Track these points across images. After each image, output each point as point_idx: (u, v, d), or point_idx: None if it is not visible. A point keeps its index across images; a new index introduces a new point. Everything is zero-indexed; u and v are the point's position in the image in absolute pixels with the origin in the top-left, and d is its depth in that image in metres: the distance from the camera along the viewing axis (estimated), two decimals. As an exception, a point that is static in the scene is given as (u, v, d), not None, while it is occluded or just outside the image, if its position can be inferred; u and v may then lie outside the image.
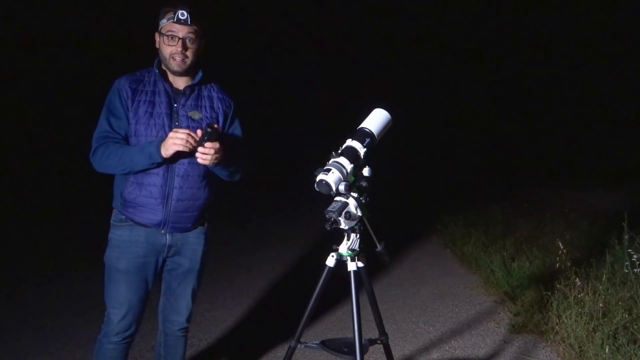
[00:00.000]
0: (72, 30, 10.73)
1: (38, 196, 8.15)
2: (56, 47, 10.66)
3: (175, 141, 2.13)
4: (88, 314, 3.87)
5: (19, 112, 10.16)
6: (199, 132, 2.18)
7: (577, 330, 3.41)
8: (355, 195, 2.00)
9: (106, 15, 11.12)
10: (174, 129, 2.18)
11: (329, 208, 1.97)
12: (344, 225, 2.02)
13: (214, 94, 2.41)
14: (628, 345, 3.17)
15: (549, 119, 16.35)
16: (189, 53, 2.27)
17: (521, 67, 17.32)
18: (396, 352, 3.23)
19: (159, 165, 2.24)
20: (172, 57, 2.26)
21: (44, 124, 10.10)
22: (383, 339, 2.29)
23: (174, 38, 2.24)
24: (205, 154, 2.17)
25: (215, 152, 2.18)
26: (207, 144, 2.16)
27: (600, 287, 3.88)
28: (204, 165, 2.31)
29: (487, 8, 16.87)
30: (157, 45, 2.31)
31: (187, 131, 2.15)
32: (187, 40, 2.25)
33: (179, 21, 2.22)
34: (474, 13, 17.19)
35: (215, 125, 2.20)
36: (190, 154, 2.24)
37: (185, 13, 2.22)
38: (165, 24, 2.25)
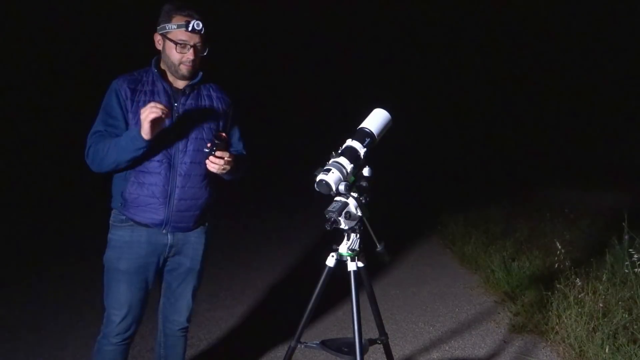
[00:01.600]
0: (70, 29, 10.73)
1: (37, 196, 8.15)
2: (53, 46, 10.66)
3: (147, 115, 2.07)
4: (88, 314, 3.87)
5: (17, 113, 10.16)
6: (208, 144, 2.22)
7: (577, 330, 3.41)
8: (355, 195, 2.00)
9: (102, 15, 11.13)
10: (142, 108, 2.12)
11: (329, 208, 1.98)
12: (344, 225, 2.02)
13: (214, 94, 2.42)
14: (628, 345, 3.17)
15: (549, 119, 16.35)
16: (197, 59, 2.27)
17: (522, 67, 17.32)
18: (396, 352, 3.23)
19: (152, 153, 2.22)
20: (183, 64, 2.25)
21: (41, 124, 10.10)
22: (383, 339, 2.29)
23: (186, 46, 2.23)
24: (216, 163, 2.21)
25: (226, 161, 2.22)
26: (218, 153, 2.20)
27: (600, 287, 3.88)
28: (206, 165, 2.32)
29: (491, 5, 16.85)
30: (158, 47, 2.30)
31: (152, 103, 2.10)
32: (197, 47, 2.25)
33: (193, 30, 2.21)
34: (476, 10, 17.18)
35: (224, 134, 2.22)
36: (192, 152, 2.26)
37: (200, 24, 2.21)
38: (175, 30, 2.22)
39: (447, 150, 14.34)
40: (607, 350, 3.14)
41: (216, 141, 2.19)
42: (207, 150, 2.21)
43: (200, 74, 2.34)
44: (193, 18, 2.21)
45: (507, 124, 16.01)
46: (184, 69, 2.26)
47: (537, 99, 17.04)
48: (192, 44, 2.23)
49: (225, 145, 2.21)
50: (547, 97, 17.03)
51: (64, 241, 6.09)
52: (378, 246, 2.07)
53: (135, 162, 2.24)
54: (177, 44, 2.23)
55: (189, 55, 2.24)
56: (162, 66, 2.33)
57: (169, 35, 2.24)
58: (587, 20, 16.14)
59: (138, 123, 2.23)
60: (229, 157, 2.23)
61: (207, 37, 2.28)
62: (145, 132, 2.10)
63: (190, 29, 2.20)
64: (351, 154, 2.03)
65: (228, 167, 2.25)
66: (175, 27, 2.22)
